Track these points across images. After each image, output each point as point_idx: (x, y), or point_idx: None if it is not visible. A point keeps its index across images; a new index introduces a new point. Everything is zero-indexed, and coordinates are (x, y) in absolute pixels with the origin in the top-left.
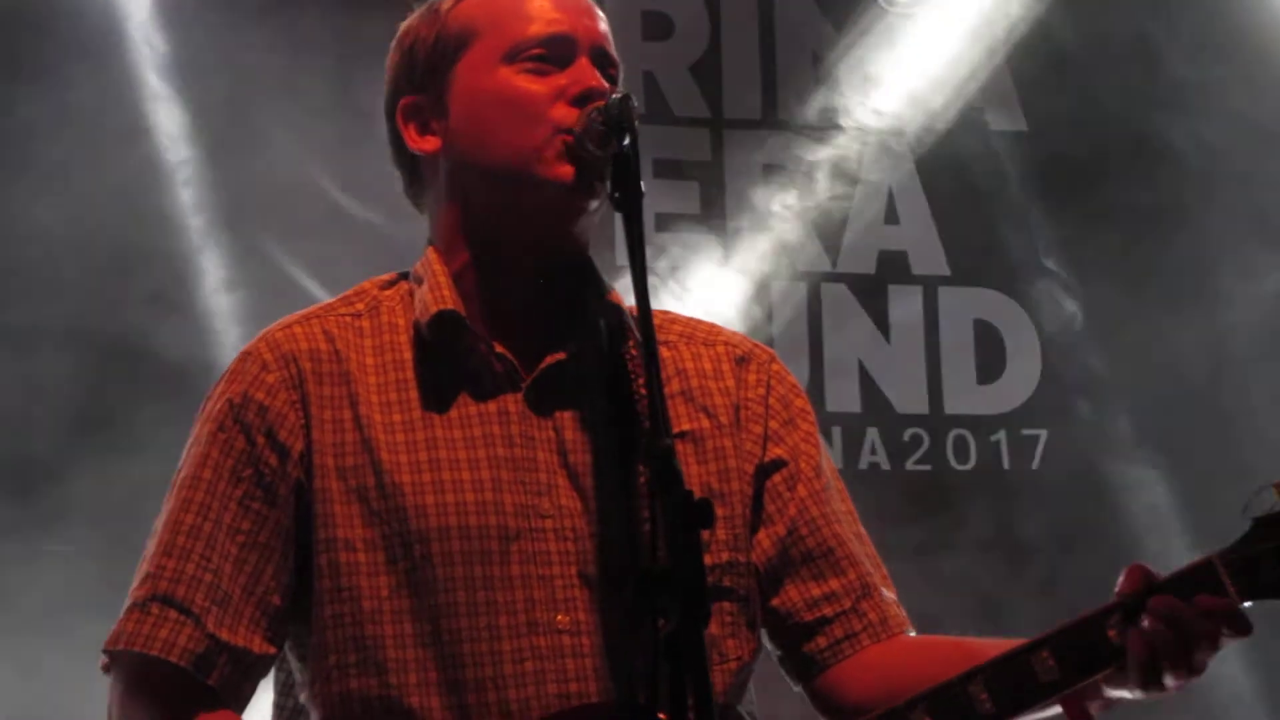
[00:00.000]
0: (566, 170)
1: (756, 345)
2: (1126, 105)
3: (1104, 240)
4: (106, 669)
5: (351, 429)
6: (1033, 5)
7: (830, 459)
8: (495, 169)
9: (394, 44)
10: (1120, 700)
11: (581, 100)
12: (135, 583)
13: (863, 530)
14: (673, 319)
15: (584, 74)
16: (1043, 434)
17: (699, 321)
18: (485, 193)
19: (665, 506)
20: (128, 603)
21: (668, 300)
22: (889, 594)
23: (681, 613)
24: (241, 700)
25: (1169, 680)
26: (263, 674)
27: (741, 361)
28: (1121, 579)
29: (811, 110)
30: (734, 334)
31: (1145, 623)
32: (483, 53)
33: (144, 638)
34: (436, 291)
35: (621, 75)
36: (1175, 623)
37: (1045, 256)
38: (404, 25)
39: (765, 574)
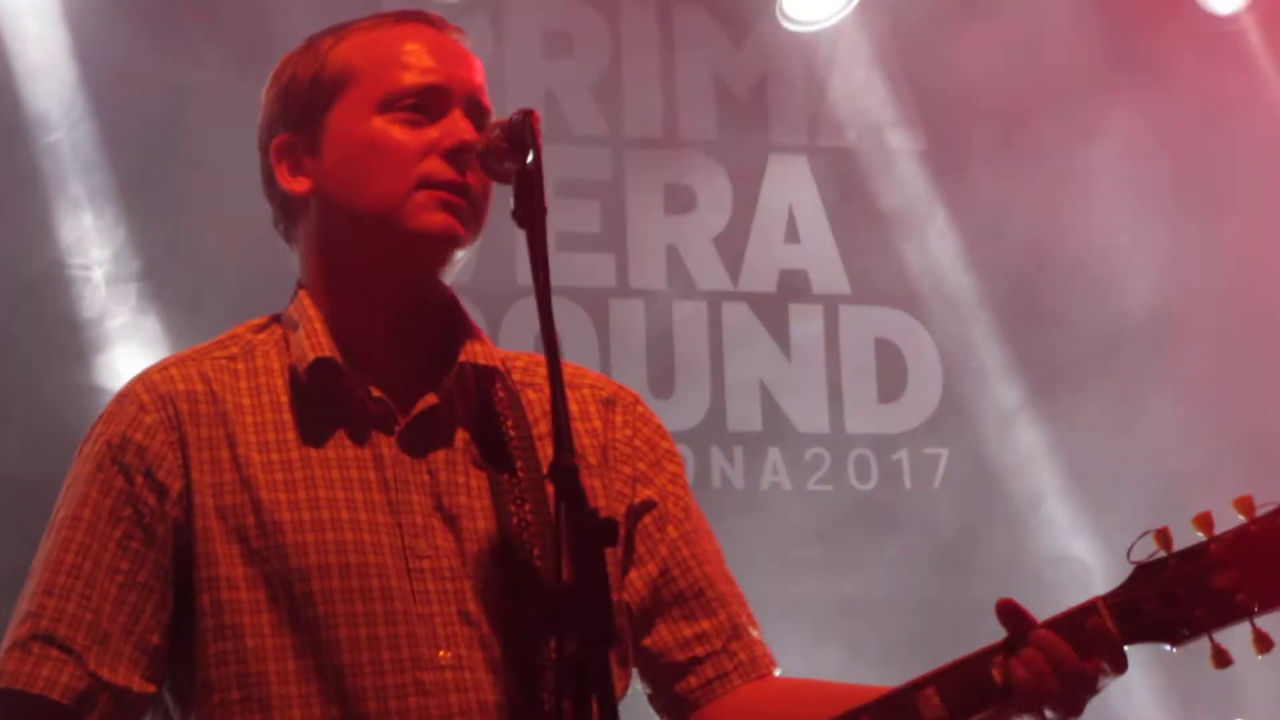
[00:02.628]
0: (433, 220)
1: (620, 387)
2: (1026, 121)
3: (1006, 256)
4: None
5: (230, 469)
6: (934, 24)
7: (694, 500)
8: (364, 216)
9: (272, 77)
10: None
11: (452, 154)
12: (15, 621)
13: (728, 570)
14: (539, 361)
15: (456, 127)
16: (944, 453)
17: (564, 364)
18: (354, 238)
19: (570, 525)
20: (7, 641)
21: (569, 319)
22: (756, 633)
23: (587, 632)
24: None
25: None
26: (142, 713)
27: (608, 404)
28: (1002, 619)
29: (712, 129)
30: (599, 376)
31: (1028, 658)
32: (358, 99)
33: (25, 676)
34: (313, 338)
35: (520, 90)
36: (1053, 662)
37: (947, 274)
38: (283, 59)
39: (638, 613)
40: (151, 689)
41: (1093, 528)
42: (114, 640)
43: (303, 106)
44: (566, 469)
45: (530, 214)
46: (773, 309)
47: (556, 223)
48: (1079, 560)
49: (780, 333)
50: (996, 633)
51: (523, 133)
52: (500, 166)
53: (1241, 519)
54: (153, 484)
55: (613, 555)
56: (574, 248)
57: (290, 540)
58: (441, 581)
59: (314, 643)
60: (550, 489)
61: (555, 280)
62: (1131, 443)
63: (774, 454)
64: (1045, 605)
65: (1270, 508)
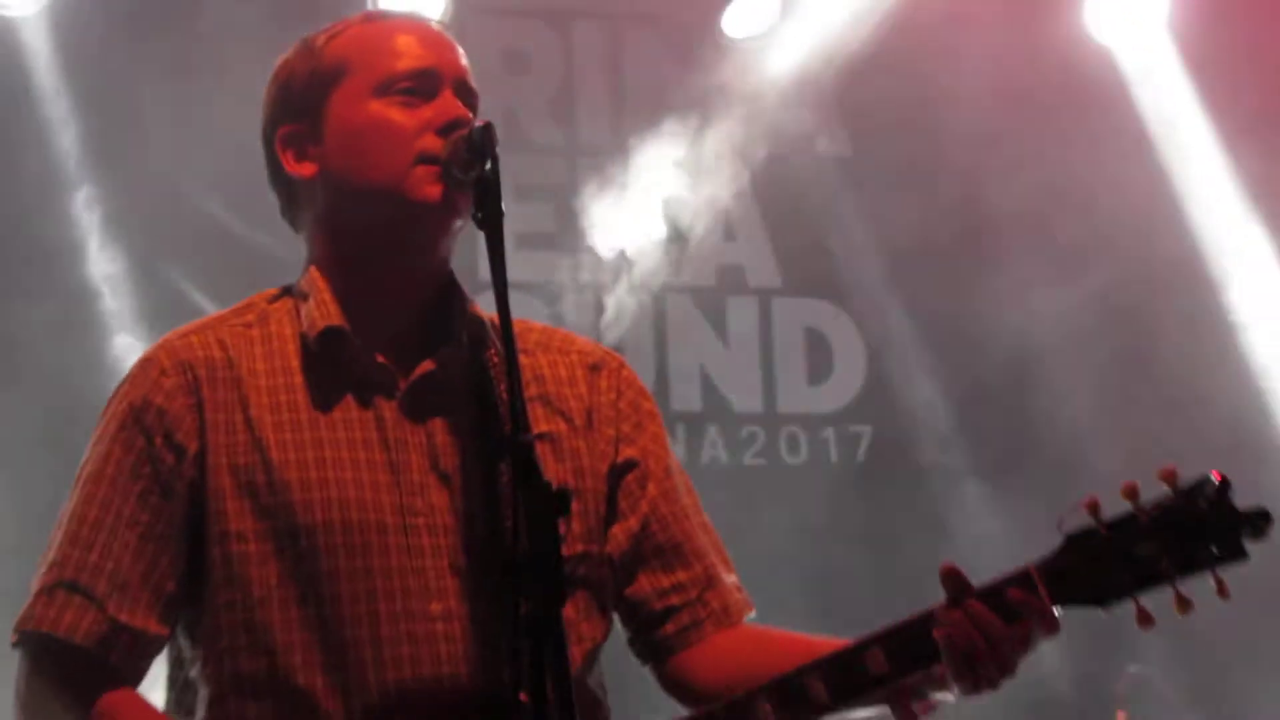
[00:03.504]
0: (433, 191)
1: (607, 353)
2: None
3: (923, 253)
4: (15, 646)
5: (243, 430)
6: (861, 42)
7: (675, 455)
8: (369, 192)
9: (271, 77)
10: (943, 701)
11: (447, 130)
12: (42, 569)
13: (706, 520)
14: (529, 327)
15: (449, 105)
16: (867, 430)
17: (554, 330)
18: (359, 213)
19: (525, 497)
20: (35, 587)
21: (527, 312)
22: (730, 578)
23: (541, 595)
24: (138, 676)
25: (981, 673)
26: (157, 653)
27: (594, 369)
28: (944, 582)
29: (658, 137)
30: (586, 342)
31: (961, 621)
32: (355, 86)
33: (50, 620)
34: (323, 308)
35: (480, 104)
36: (984, 622)
37: (869, 269)
38: (280, 60)
39: (620, 565)
40: (165, 632)
41: (1002, 499)
42: (132, 587)
43: (303, 98)
44: (520, 445)
45: (489, 217)
46: (712, 301)
47: (515, 224)
48: (991, 524)
49: (718, 322)
50: (917, 598)
51: (482, 143)
52: (463, 175)
53: (1166, 490)
54: (171, 444)
55: (595, 512)
56: (532, 246)
57: (297, 498)
58: (435, 537)
59: (316, 595)
60: (539, 448)
61: (513, 275)
62: (1038, 419)
63: (712, 431)
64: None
65: (1192, 480)
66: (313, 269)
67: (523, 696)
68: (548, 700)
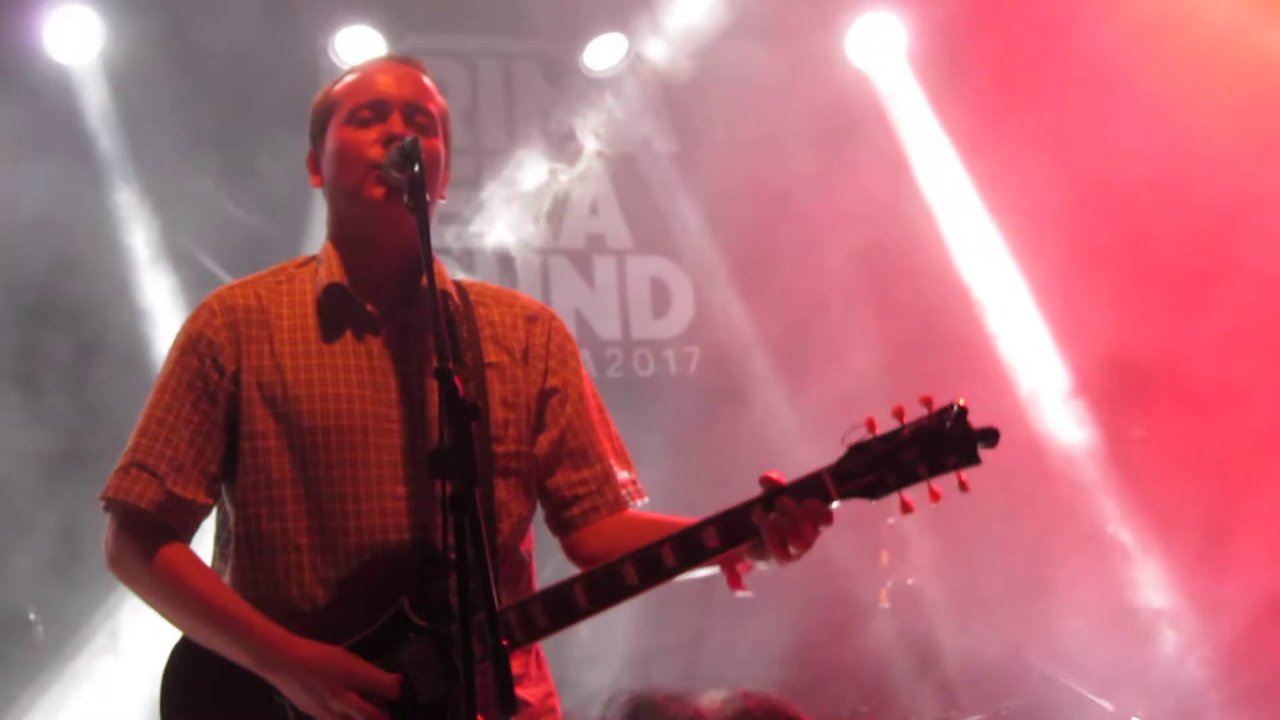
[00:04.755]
0: (377, 192)
1: (542, 308)
2: (741, 134)
3: (737, 220)
4: (105, 511)
5: (269, 357)
6: (681, 71)
7: (591, 383)
8: (342, 194)
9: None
10: (757, 565)
11: (387, 143)
12: (123, 454)
13: (614, 431)
14: (486, 288)
15: (392, 125)
16: (696, 350)
17: (504, 289)
18: (342, 207)
19: (447, 408)
20: (116, 467)
21: (451, 271)
22: (625, 475)
23: (459, 478)
24: (189, 535)
25: (791, 550)
26: (204, 518)
27: (532, 319)
28: (761, 483)
29: (541, 142)
30: (529, 299)
31: (774, 514)
32: (337, 117)
33: (124, 490)
34: (330, 270)
35: (434, 115)
36: (792, 516)
37: (696, 235)
38: (314, 100)
39: (543, 462)
40: (210, 502)
41: (794, 402)
42: (185, 468)
43: (316, 128)
44: (444, 371)
45: (419, 204)
46: (582, 259)
47: (438, 207)
48: (789, 426)
49: (587, 274)
50: (732, 462)
51: (412, 151)
52: (399, 174)
53: (923, 411)
54: (216, 365)
55: (527, 422)
56: (449, 223)
57: (305, 408)
58: (404, 438)
59: (315, 477)
60: (489, 373)
61: (436, 244)
62: (821, 345)
63: (585, 354)
64: (762, 455)
65: (944, 405)
66: (327, 243)
67: (451, 555)
68: (468, 556)
